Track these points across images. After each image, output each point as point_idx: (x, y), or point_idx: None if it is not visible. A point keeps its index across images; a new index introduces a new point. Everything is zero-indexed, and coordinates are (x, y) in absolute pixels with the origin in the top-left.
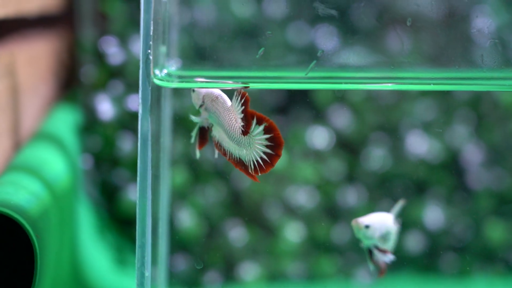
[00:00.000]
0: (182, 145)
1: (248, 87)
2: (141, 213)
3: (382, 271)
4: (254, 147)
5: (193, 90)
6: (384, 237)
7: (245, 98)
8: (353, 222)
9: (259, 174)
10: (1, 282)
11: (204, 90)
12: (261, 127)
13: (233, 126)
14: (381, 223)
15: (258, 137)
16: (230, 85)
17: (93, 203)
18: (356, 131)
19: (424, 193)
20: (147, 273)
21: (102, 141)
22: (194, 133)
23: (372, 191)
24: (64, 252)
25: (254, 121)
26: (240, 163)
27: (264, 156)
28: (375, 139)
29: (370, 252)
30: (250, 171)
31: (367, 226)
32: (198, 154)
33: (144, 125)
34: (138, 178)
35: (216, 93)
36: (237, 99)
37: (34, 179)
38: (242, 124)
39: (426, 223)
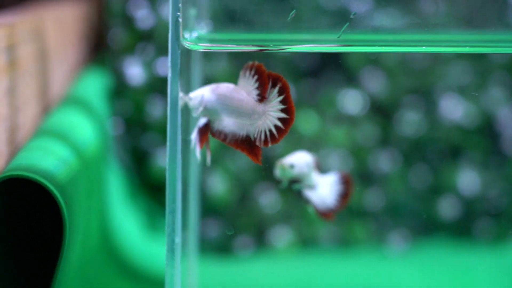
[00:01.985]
0: None
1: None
2: (171, 179)
3: (328, 215)
4: (268, 115)
5: (190, 98)
6: (308, 176)
7: (259, 68)
8: (277, 163)
9: (269, 146)
10: (30, 249)
11: (199, 91)
12: (276, 88)
13: (245, 100)
14: (305, 161)
15: (273, 101)
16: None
17: (123, 168)
18: (389, 95)
19: (458, 158)
20: (178, 239)
21: (131, 105)
22: (193, 137)
23: (405, 156)
24: (93, 218)
25: (270, 84)
26: (245, 142)
27: (279, 123)
28: (408, 103)
29: (299, 192)
30: (259, 143)
31: (292, 166)
32: (198, 155)
33: (173, 89)
34: (167, 143)
35: (214, 85)
36: (247, 73)
37: (63, 144)
38: (258, 92)
39: (461, 188)
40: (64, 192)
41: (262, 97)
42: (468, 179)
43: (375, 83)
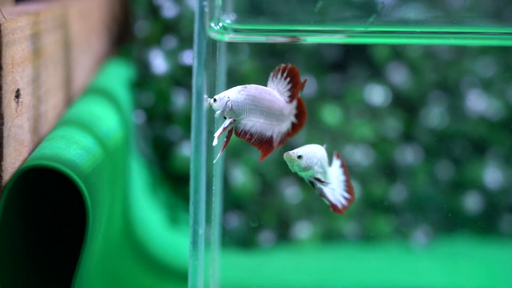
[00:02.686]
0: None
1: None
2: (195, 170)
3: (338, 209)
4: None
5: (214, 100)
6: (320, 166)
7: (293, 69)
8: (285, 155)
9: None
10: (53, 239)
11: (225, 93)
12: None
13: (276, 101)
14: (313, 152)
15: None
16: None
17: (146, 159)
18: (414, 89)
19: (483, 152)
20: (201, 231)
21: (155, 96)
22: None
23: (429, 150)
24: (116, 208)
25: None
26: (268, 142)
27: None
28: (433, 97)
29: (312, 184)
30: (275, 144)
31: (299, 156)
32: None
33: (198, 79)
34: (192, 134)
35: (240, 86)
36: (279, 74)
37: (86, 134)
38: (290, 94)
39: (486, 183)
40: (87, 182)
41: (293, 97)
42: (492, 174)
43: (400, 77)
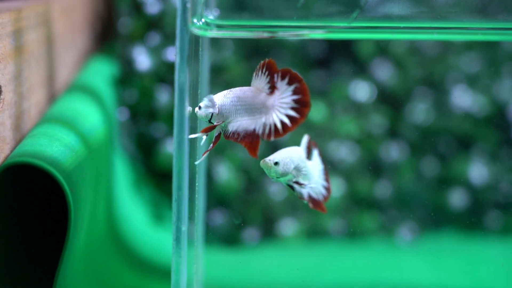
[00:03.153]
0: None
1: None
2: (178, 166)
3: (319, 205)
4: (277, 109)
5: (199, 107)
6: (298, 170)
7: (269, 62)
8: (262, 162)
9: (272, 139)
10: (35, 236)
11: (215, 98)
12: (292, 87)
13: (256, 95)
14: (289, 157)
15: (286, 99)
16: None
17: (130, 156)
18: (399, 85)
19: (468, 149)
20: (184, 228)
21: (138, 93)
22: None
23: (415, 146)
24: (99, 206)
25: (286, 80)
26: (250, 135)
27: (286, 119)
28: (418, 93)
29: (292, 188)
30: (263, 136)
31: (276, 163)
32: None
33: (181, 76)
34: (174, 131)
35: (226, 91)
36: (259, 72)
37: (69, 131)
38: (269, 86)
39: (471, 179)
40: (69, 180)
41: (272, 87)
42: (478, 170)
43: (385, 73)
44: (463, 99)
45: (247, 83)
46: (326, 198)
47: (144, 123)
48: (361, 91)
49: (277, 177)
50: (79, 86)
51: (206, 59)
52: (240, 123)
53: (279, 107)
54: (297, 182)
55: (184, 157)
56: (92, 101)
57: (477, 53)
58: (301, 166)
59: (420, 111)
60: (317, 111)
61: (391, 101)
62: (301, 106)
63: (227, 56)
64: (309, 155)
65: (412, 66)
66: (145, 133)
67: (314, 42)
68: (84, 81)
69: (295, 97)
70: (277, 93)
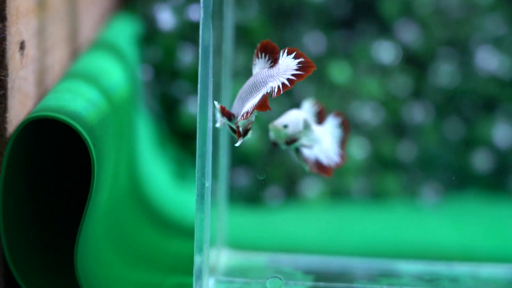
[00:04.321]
0: (244, 56)
1: None
2: (201, 123)
3: (325, 169)
4: (283, 74)
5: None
6: (306, 132)
7: (262, 44)
8: (271, 126)
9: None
10: (59, 190)
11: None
12: (292, 55)
13: (258, 73)
14: (297, 120)
15: (290, 64)
16: None
17: (153, 115)
18: (423, 46)
19: (493, 110)
20: (208, 184)
21: (162, 52)
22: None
23: (439, 107)
24: (122, 163)
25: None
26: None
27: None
28: (443, 54)
29: (297, 151)
30: (272, 95)
31: (285, 126)
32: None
33: (205, 33)
34: (199, 87)
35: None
36: (258, 54)
37: (92, 87)
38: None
39: (495, 141)
40: (92, 134)
41: (274, 60)
42: (502, 132)
43: (410, 33)
44: (488, 60)
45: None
46: (339, 165)
47: (167, 82)
48: (385, 52)
49: (286, 141)
50: (102, 43)
51: (230, 17)
52: (250, 102)
53: (283, 73)
54: (304, 145)
55: (208, 113)
56: (115, 59)
57: (503, 14)
58: (310, 129)
59: (444, 73)
60: (340, 72)
61: (415, 62)
62: (305, 65)
63: (252, 16)
64: (321, 120)
65: (437, 27)
66: (168, 93)
67: (338, 2)
68: (107, 39)
69: (297, 61)
70: (279, 64)
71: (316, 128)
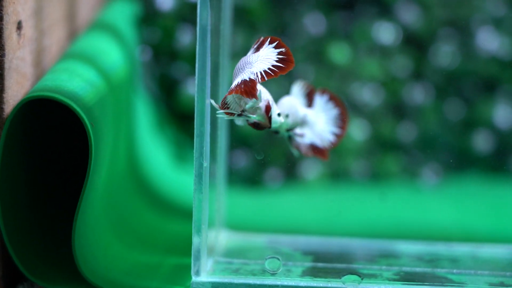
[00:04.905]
0: (244, 37)
1: None
2: (199, 103)
3: (321, 152)
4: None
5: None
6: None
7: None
8: (275, 119)
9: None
10: (57, 171)
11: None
12: (274, 44)
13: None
14: (295, 107)
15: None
16: None
17: (151, 97)
18: (424, 27)
19: (494, 91)
20: (206, 164)
21: (161, 33)
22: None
23: (439, 88)
24: (121, 144)
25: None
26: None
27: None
28: (443, 34)
29: (290, 138)
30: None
31: (287, 116)
32: None
33: (203, 13)
34: (197, 67)
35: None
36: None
37: (90, 67)
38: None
39: (496, 122)
40: (90, 114)
41: (257, 48)
42: (503, 113)
43: (410, 14)
44: (489, 41)
45: (271, 25)
46: (334, 144)
47: (166, 64)
48: (385, 33)
49: (287, 130)
50: (100, 24)
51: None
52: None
53: (262, 61)
54: (298, 134)
55: (206, 91)
56: (114, 39)
57: None
58: (299, 110)
59: (445, 54)
60: (340, 53)
61: (415, 43)
62: (285, 59)
63: None
64: (310, 102)
65: (437, 8)
66: (167, 74)
67: None
68: (106, 19)
69: (278, 51)
70: (259, 52)
71: (307, 112)
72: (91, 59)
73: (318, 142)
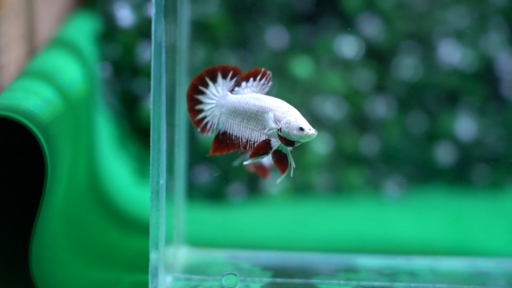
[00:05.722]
0: (205, 52)
1: None
2: (155, 119)
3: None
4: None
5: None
6: None
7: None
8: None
9: None
10: (12, 190)
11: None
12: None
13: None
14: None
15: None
16: None
17: (113, 113)
18: (386, 40)
19: (456, 103)
20: (162, 181)
21: (121, 49)
22: None
23: (402, 101)
24: (80, 161)
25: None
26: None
27: None
28: (406, 47)
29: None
30: None
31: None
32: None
33: (158, 29)
34: (152, 83)
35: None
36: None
37: (47, 85)
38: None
39: (458, 134)
40: (46, 132)
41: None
42: (465, 125)
43: (372, 28)
44: (451, 53)
45: (233, 40)
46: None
47: (128, 79)
48: (348, 46)
49: None
50: (60, 41)
51: (186, 12)
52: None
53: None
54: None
55: (162, 109)
56: (73, 56)
57: (465, 7)
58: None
59: (407, 66)
60: (303, 67)
61: (378, 56)
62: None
63: (213, 12)
64: None
65: (399, 21)
66: (129, 90)
67: None
68: (65, 36)
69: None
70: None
71: None
72: (49, 76)
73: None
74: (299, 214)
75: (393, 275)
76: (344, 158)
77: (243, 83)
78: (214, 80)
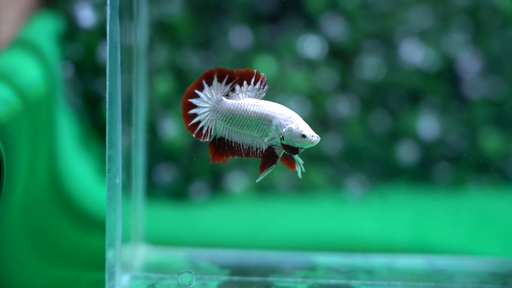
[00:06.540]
0: (167, 53)
1: None
2: (110, 119)
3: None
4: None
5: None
6: None
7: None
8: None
9: None
10: None
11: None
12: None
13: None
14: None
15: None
16: None
17: (75, 112)
18: (349, 40)
19: (418, 102)
20: (118, 180)
21: (83, 49)
22: None
23: (364, 100)
24: (40, 161)
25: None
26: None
27: None
28: (368, 47)
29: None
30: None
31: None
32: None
33: (113, 29)
34: (107, 84)
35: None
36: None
37: (4, 86)
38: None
39: (420, 133)
40: (2, 132)
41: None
42: (427, 124)
43: (335, 27)
44: (413, 53)
45: (196, 40)
46: None
47: (89, 79)
48: (311, 45)
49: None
50: (21, 41)
51: (144, 13)
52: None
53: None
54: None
55: (117, 109)
56: (33, 56)
57: (427, 7)
58: None
59: (370, 66)
60: (266, 67)
61: (341, 56)
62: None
63: (176, 12)
64: None
65: (362, 21)
66: (91, 89)
67: None
68: (27, 37)
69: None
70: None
71: None
72: (7, 77)
73: None
74: (261, 213)
75: (350, 272)
76: (307, 157)
77: (237, 88)
78: (210, 83)
